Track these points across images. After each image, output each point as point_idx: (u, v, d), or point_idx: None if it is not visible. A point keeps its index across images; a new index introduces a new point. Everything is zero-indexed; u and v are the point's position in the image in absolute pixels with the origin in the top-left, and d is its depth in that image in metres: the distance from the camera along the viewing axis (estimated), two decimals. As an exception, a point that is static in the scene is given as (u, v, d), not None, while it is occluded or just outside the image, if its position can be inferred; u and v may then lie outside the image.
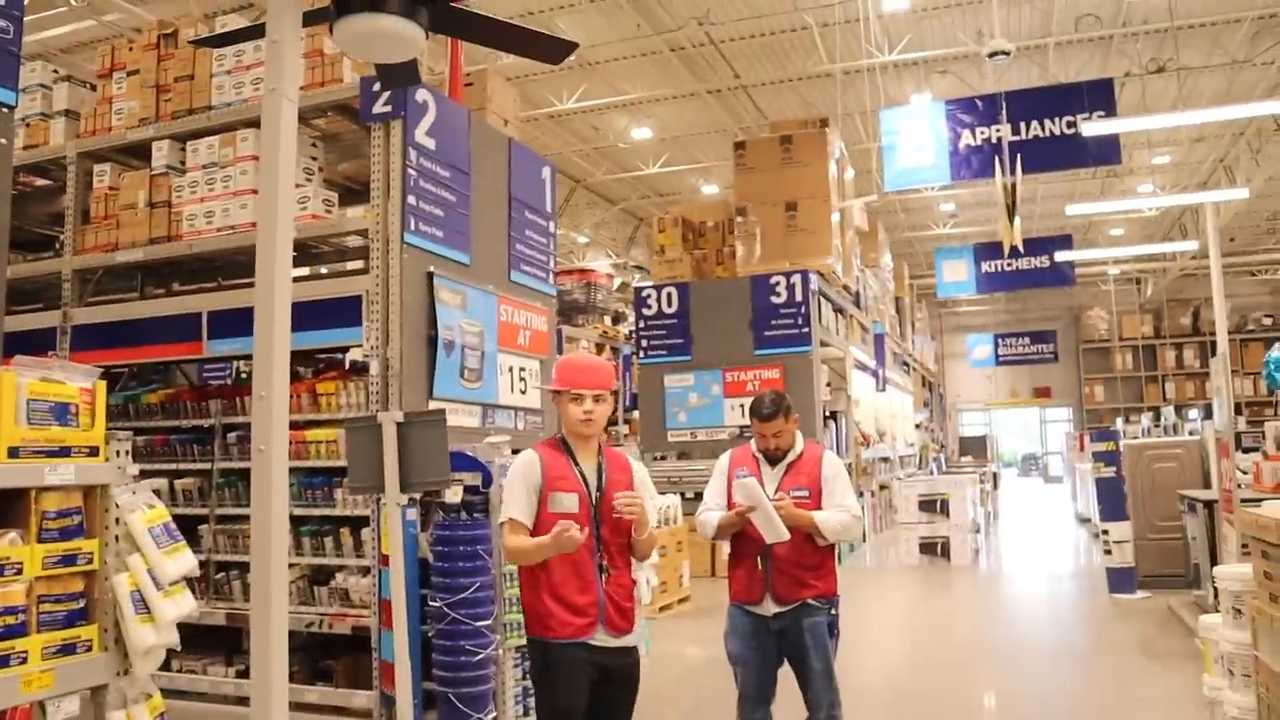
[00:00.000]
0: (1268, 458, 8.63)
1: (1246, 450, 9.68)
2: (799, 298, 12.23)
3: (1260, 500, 6.42)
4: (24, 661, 2.59)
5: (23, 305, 6.49)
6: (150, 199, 5.86)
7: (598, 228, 22.65)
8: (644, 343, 13.14)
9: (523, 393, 6.60)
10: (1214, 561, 7.77)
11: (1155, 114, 13.32)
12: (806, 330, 12.18)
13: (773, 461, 4.36)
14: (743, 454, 4.47)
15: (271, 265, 2.09)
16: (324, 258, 6.67)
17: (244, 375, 6.79)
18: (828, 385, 13.83)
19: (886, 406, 18.25)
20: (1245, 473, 8.50)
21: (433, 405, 5.28)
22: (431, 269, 5.46)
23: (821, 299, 12.77)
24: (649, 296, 13.18)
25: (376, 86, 5.25)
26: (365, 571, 5.20)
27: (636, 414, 14.47)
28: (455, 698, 4.47)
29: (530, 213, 6.86)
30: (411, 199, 5.34)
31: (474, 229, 5.97)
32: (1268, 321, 28.53)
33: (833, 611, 4.27)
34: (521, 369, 6.59)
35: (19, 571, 2.62)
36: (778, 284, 12.33)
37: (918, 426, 23.06)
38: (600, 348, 15.74)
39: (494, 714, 4.66)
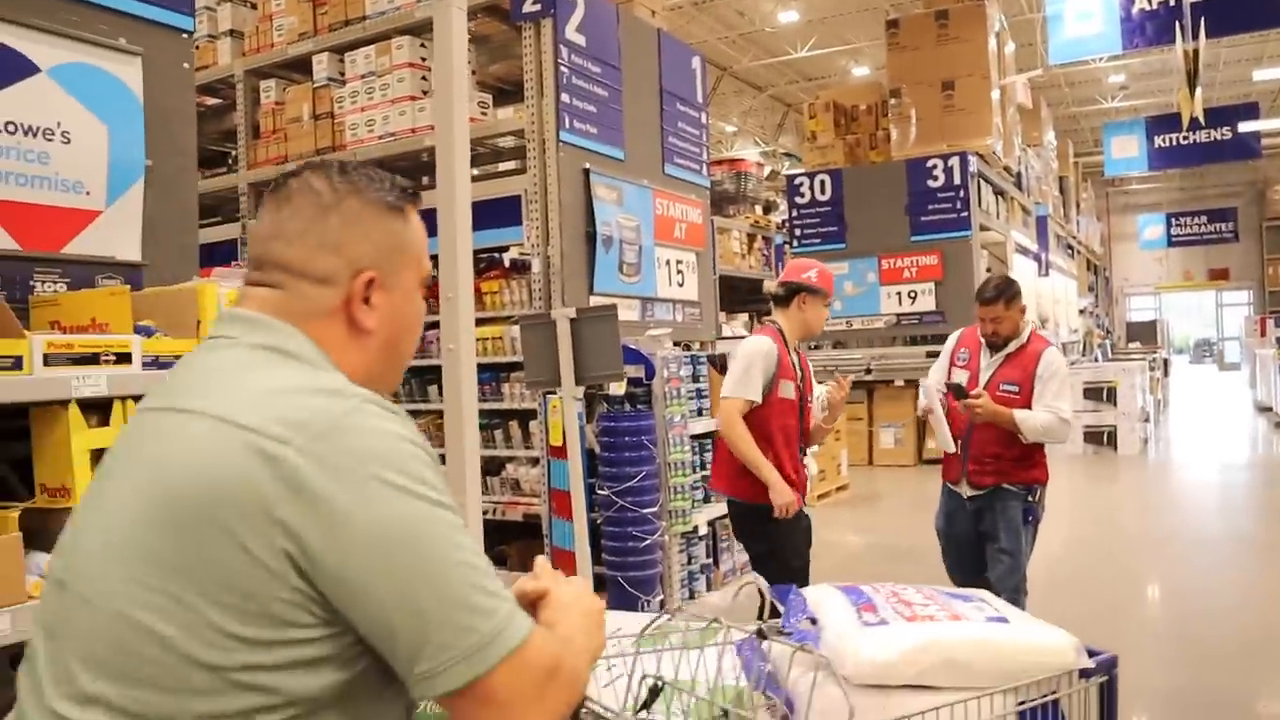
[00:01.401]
0: None
1: None
2: (957, 181, 11.81)
3: None
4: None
5: (204, 220, 6.85)
6: (314, 111, 6.06)
7: (745, 116, 22.25)
8: (797, 231, 12.98)
9: (680, 285, 6.65)
10: None
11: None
12: (965, 215, 11.79)
13: (994, 348, 4.35)
14: (969, 335, 4.53)
15: (452, 172, 2.17)
16: (479, 159, 6.80)
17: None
18: (988, 270, 13.42)
19: (1049, 291, 17.58)
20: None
21: (593, 301, 5.39)
22: (587, 166, 5.51)
23: (981, 181, 12.31)
24: (801, 184, 12.96)
25: (526, -15, 5.27)
26: (534, 462, 5.42)
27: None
28: (625, 581, 4.66)
29: (681, 105, 6.81)
30: (565, 97, 5.37)
31: (627, 124, 5.98)
32: None
33: (1030, 499, 4.25)
34: (679, 262, 6.63)
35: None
36: (934, 167, 11.93)
37: (1082, 312, 22.16)
38: (752, 238, 15.60)
39: (661, 596, 4.85)
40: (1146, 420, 14.33)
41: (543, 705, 1.08)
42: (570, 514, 4.14)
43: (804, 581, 3.73)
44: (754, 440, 3.90)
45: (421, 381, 5.78)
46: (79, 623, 1.06)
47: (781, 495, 3.87)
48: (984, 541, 4.34)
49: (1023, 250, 15.48)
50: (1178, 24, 10.70)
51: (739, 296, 16.04)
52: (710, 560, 6.09)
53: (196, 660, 1.01)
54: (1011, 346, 4.31)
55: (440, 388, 4.58)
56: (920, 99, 12.65)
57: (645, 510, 4.72)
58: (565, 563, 4.57)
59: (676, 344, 6.32)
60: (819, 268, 4.21)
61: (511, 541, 5.67)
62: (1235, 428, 16.16)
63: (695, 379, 6.02)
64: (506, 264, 6.15)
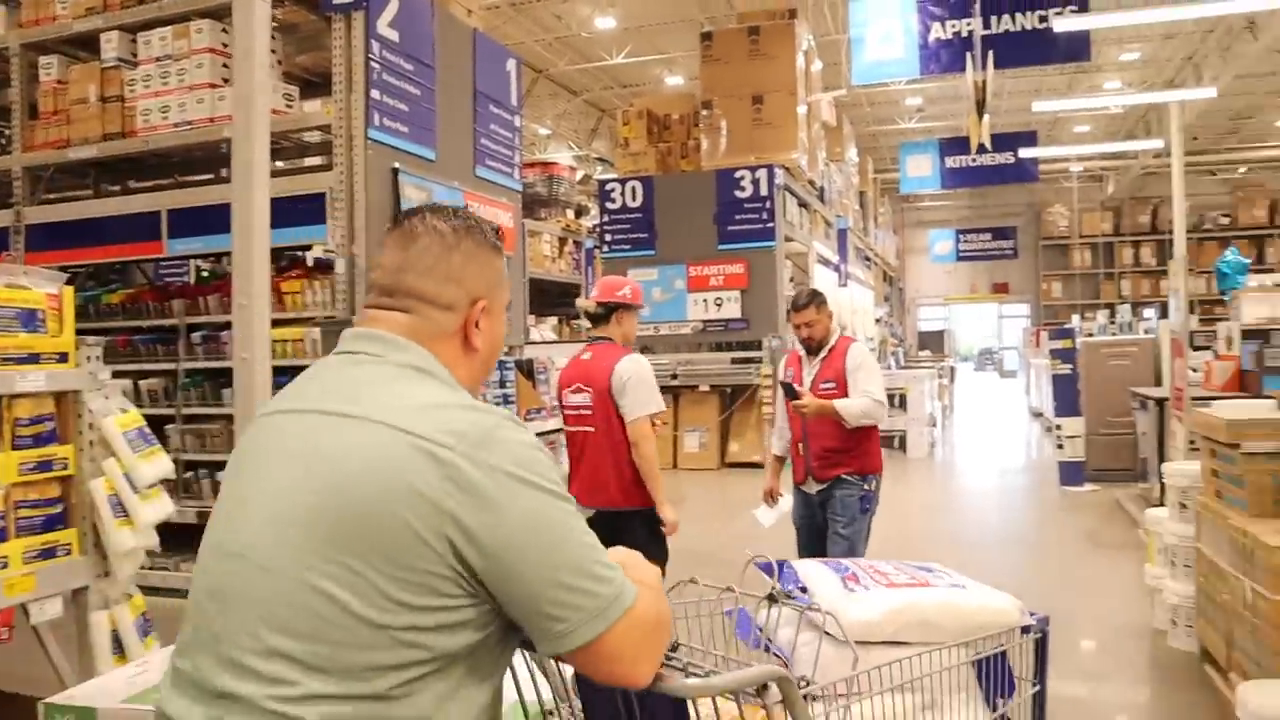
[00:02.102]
0: (1219, 357, 8.84)
1: (1198, 349, 9.89)
2: (764, 192, 12.19)
3: (1210, 399, 6.61)
4: (5, 566, 2.62)
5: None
6: (102, 93, 5.66)
7: (560, 119, 22.23)
8: (608, 237, 13.09)
9: (489, 290, 6.57)
10: (1162, 458, 8.02)
11: (1128, 10, 13.19)
12: (771, 225, 12.18)
13: (811, 354, 4.93)
14: (792, 358, 5.14)
15: (250, 166, 2.05)
16: (283, 153, 6.52)
17: (204, 275, 6.69)
18: (791, 280, 13.90)
19: (848, 301, 18.35)
20: (1196, 371, 8.71)
21: (400, 305, 5.26)
22: (396, 165, 5.38)
23: (786, 194, 12.73)
24: (613, 190, 13.08)
25: (337, -25, 5.09)
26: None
27: (600, 309, 14.45)
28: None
29: (495, 106, 6.74)
30: (375, 93, 5.22)
31: (439, 124, 5.87)
32: (1224, 221, 28.65)
33: (866, 488, 4.80)
34: (487, 266, 6.54)
35: (-5, 478, 2.63)
36: (743, 178, 12.27)
37: (878, 321, 23.26)
38: (563, 241, 15.63)
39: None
40: (934, 425, 15.18)
41: (650, 652, 1.36)
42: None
43: None
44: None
45: (215, 384, 5.49)
46: (260, 589, 1.29)
47: (673, 514, 4.39)
48: (828, 529, 4.79)
49: (824, 261, 16.11)
50: (969, 54, 11.36)
51: (549, 300, 16.02)
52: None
53: (368, 620, 1.25)
54: (825, 351, 4.87)
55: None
56: (731, 111, 12.98)
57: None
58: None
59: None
60: (630, 284, 4.59)
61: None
62: (1012, 432, 17.34)
63: (502, 384, 5.98)
64: (309, 263, 5.92)
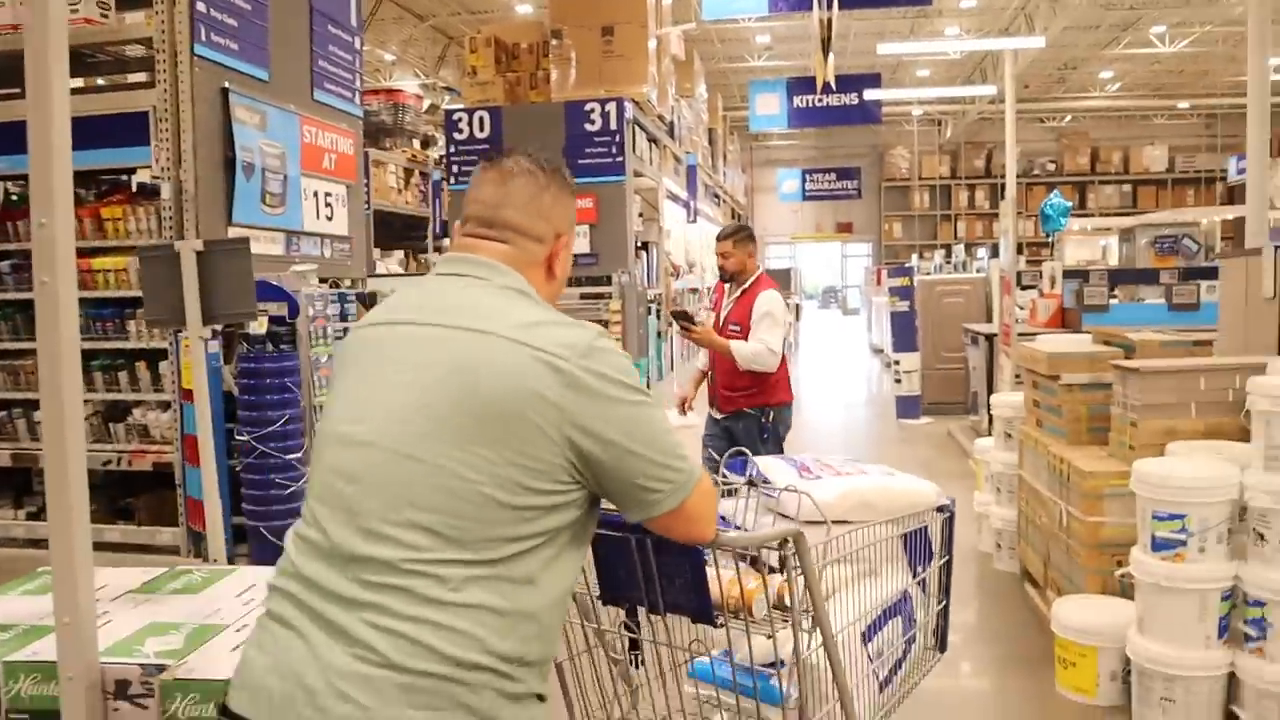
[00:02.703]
0: (1043, 295, 9.31)
1: (1025, 288, 10.38)
2: (614, 126, 12.06)
3: (1035, 335, 6.96)
4: None
5: None
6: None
7: (405, 45, 21.48)
8: (454, 168, 12.74)
9: (329, 219, 6.35)
10: (990, 391, 8.43)
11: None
12: (621, 160, 12.07)
13: (730, 285, 5.35)
14: (719, 283, 5.66)
15: (47, 79, 1.87)
16: (101, 68, 6.08)
17: (13, 197, 6.21)
18: (640, 216, 13.88)
19: (697, 238, 18.45)
20: (1023, 309, 9.14)
21: (232, 232, 5.00)
22: (226, 84, 5.06)
23: (636, 128, 12.65)
24: (460, 120, 12.69)
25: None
26: (166, 406, 4.98)
27: (447, 242, 14.17)
28: (267, 531, 4.42)
29: (334, 26, 6.43)
30: (201, 5, 4.87)
31: (273, 42, 5.54)
32: (1051, 167, 30.21)
33: (764, 420, 5.22)
34: (328, 194, 6.32)
35: None
36: (592, 111, 12.10)
37: (726, 258, 23.53)
38: (409, 173, 15.16)
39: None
40: (779, 361, 15.49)
41: (712, 514, 1.76)
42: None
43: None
44: None
45: (28, 317, 5.13)
46: (400, 472, 1.56)
47: None
48: None
49: (673, 197, 16.14)
50: (815, -9, 11.48)
51: (394, 233, 15.58)
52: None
53: (498, 501, 1.54)
54: (740, 290, 5.24)
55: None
56: (580, 42, 12.76)
57: (289, 456, 4.47)
58: (198, 513, 4.26)
59: (324, 281, 6.05)
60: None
61: (140, 494, 5.20)
62: (854, 367, 17.93)
63: (344, 318, 5.78)
64: (134, 188, 5.56)
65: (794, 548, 1.82)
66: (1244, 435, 3.78)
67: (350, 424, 1.66)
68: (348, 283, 6.66)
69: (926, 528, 2.35)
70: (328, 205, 6.32)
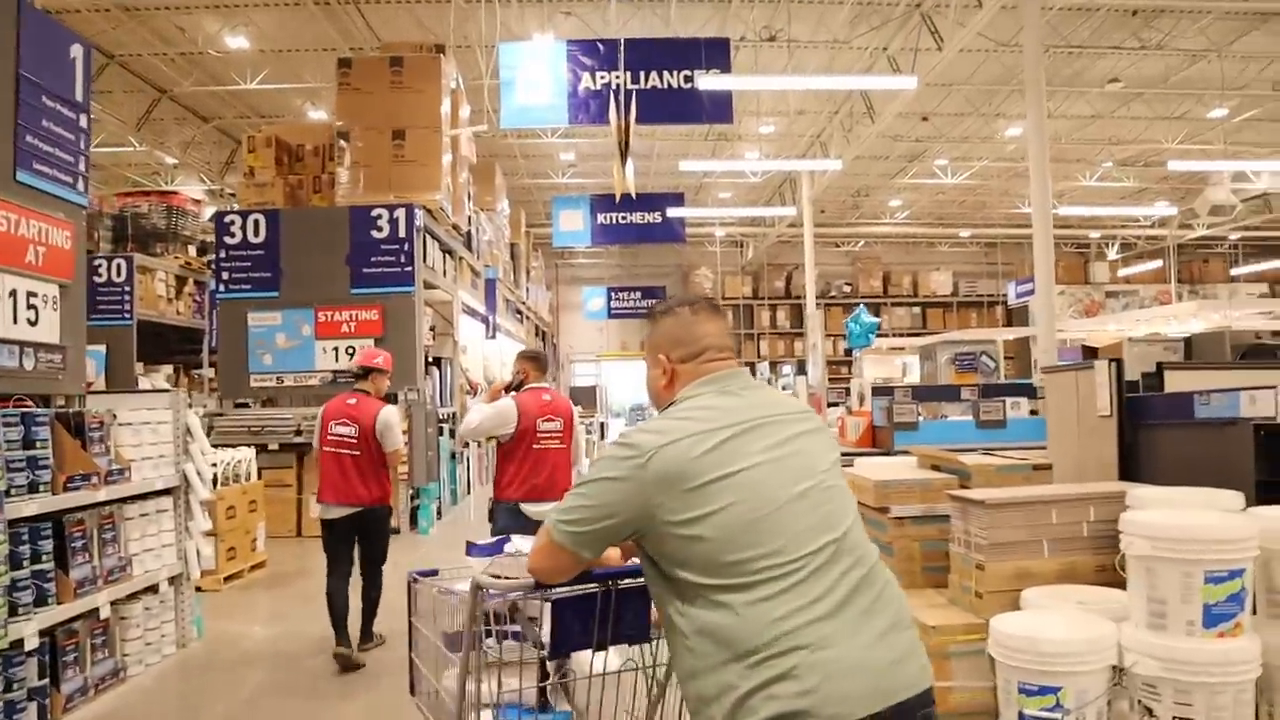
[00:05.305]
0: (852, 413, 8.91)
1: (830, 405, 10.03)
2: (403, 234, 11.24)
3: (851, 456, 6.40)
4: None
5: None
6: None
7: (188, 148, 20.08)
8: (225, 275, 11.56)
9: (31, 323, 5.25)
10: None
11: (767, 75, 13.62)
12: (410, 269, 11.23)
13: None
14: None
15: None
16: None
17: None
18: (432, 329, 12.99)
19: (497, 354, 17.71)
20: (832, 427, 8.69)
21: None
22: None
23: (428, 237, 11.86)
24: (232, 223, 11.59)
25: None
26: None
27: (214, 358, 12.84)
28: None
29: (50, 99, 5.47)
30: None
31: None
32: (847, 289, 31.62)
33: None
34: (30, 294, 5.25)
35: None
36: (379, 217, 11.25)
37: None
38: (182, 281, 13.83)
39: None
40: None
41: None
42: None
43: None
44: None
45: None
46: (839, 497, 2.15)
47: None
48: None
49: (470, 311, 15.36)
50: (613, 99, 11.13)
51: (165, 345, 14.10)
52: (47, 682, 4.72)
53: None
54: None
55: None
56: (370, 145, 11.96)
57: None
58: None
59: (26, 398, 4.97)
60: (384, 354, 6.58)
61: None
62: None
63: (26, 445, 4.66)
64: None
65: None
66: (1097, 576, 3.22)
67: (774, 488, 2.09)
68: (62, 400, 5.56)
69: None
70: (30, 308, 5.24)
